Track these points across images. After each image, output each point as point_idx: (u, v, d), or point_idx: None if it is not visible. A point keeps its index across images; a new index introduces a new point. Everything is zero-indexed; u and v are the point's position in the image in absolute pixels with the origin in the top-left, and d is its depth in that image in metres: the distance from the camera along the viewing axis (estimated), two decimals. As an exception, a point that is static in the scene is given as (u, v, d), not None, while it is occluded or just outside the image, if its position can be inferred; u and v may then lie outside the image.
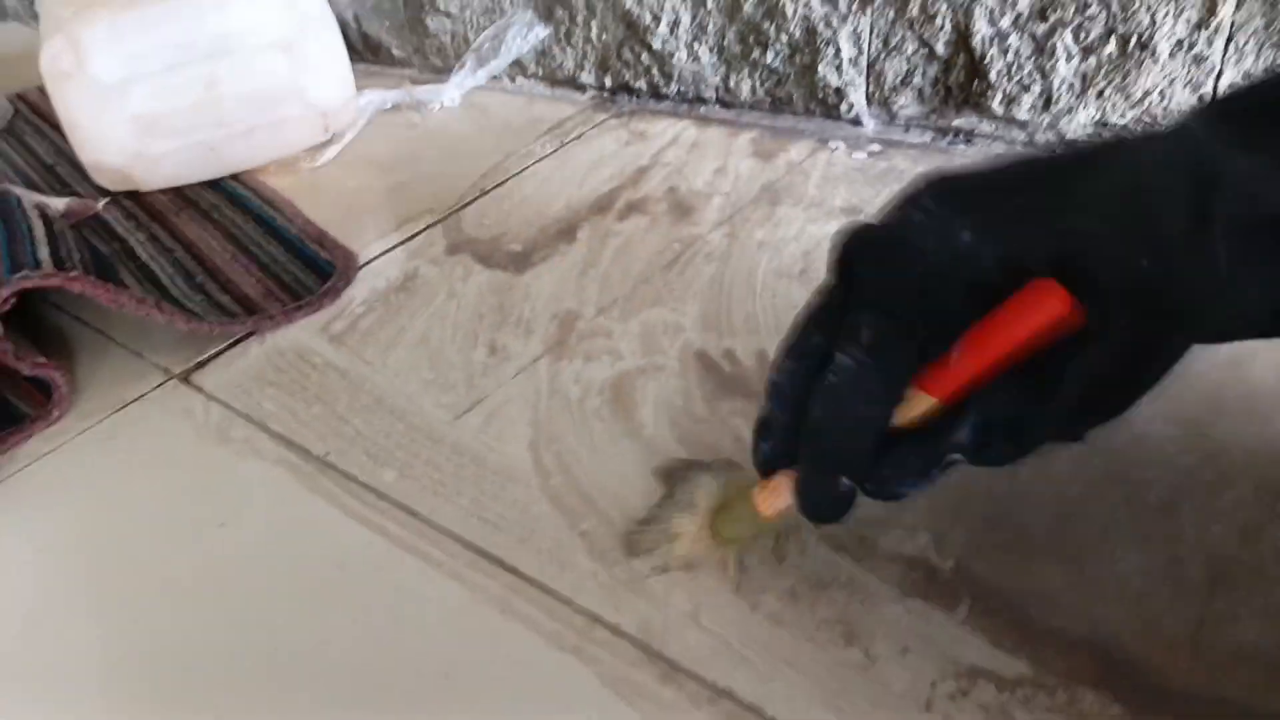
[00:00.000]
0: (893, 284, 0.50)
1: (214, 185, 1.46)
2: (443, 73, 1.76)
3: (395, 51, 1.84)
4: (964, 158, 1.32)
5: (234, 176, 1.48)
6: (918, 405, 0.52)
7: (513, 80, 1.73)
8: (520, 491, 0.85)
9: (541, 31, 1.60)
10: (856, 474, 0.53)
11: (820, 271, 1.13)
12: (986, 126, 1.33)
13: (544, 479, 0.85)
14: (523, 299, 1.12)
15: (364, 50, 1.88)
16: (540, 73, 1.69)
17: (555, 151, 1.47)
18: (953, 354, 0.50)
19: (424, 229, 1.29)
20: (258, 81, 1.42)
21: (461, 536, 0.80)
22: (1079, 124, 1.26)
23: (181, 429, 0.99)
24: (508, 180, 1.41)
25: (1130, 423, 0.79)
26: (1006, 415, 0.49)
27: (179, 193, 1.45)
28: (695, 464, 0.86)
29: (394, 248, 1.26)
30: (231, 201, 1.41)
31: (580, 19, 1.58)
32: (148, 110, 1.39)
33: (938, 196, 0.50)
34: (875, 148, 1.37)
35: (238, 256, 1.26)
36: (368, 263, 1.23)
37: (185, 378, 1.06)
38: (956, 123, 1.35)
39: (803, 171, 1.33)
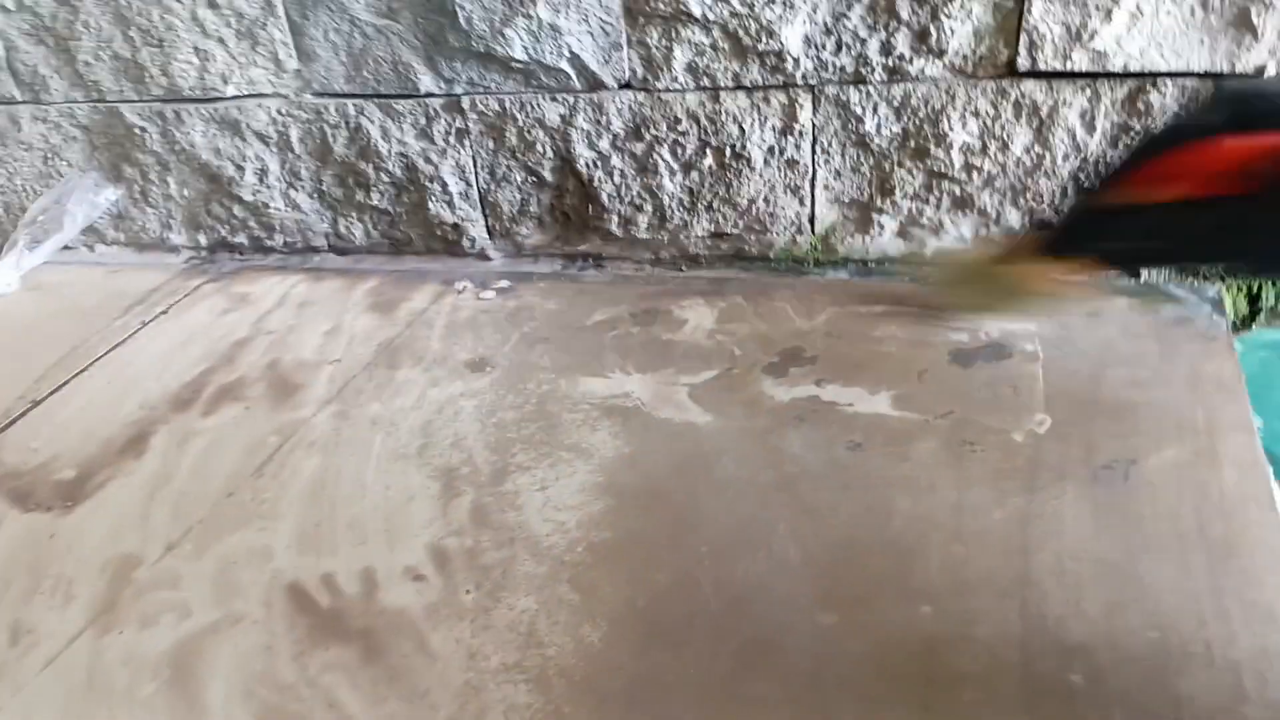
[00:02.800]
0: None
1: None
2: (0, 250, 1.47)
3: (-65, 231, 1.52)
4: (595, 283, 1.25)
5: None
6: (1159, 189, 0.78)
7: (91, 249, 1.47)
8: None
9: (111, 194, 1.37)
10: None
11: (441, 445, 0.98)
12: (611, 248, 1.26)
13: (58, 836, 0.63)
14: (65, 550, 0.89)
15: (-106, 234, 1.54)
16: (122, 238, 1.45)
17: (135, 334, 1.24)
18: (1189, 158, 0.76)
19: (-55, 469, 1.01)
20: None
21: None
22: (696, 237, 1.22)
23: None
24: (69, 381, 1.15)
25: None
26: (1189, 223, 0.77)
27: None
28: (270, 760, 0.67)
29: (-100, 501, 0.97)
30: None
31: (154, 175, 1.36)
32: None
33: None
34: (504, 283, 1.26)
35: None
36: None
37: None
38: (582, 248, 1.27)
39: (426, 322, 1.19)
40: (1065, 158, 1.07)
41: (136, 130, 1.32)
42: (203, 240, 1.42)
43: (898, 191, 1.13)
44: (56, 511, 0.94)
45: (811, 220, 1.18)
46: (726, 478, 0.89)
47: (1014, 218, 1.12)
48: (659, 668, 0.71)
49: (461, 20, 1.12)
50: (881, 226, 1.17)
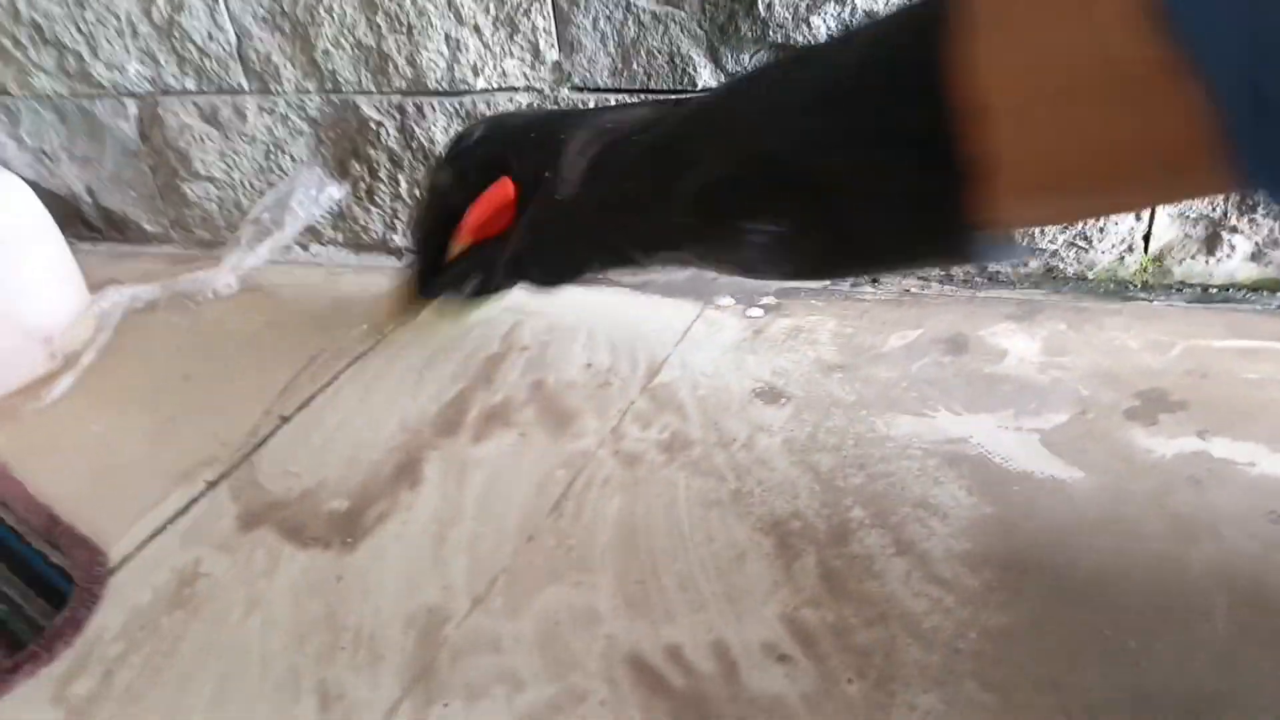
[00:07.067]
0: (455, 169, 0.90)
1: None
2: (212, 246, 1.41)
3: (147, 227, 1.47)
4: (876, 301, 1.11)
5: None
6: (459, 243, 0.90)
7: (306, 249, 1.40)
8: None
9: (335, 192, 1.29)
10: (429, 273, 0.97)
11: (756, 491, 0.86)
12: (894, 262, 1.13)
13: None
14: (360, 598, 0.79)
15: (105, 228, 1.50)
16: (340, 238, 1.37)
17: (375, 346, 1.15)
18: (468, 216, 0.87)
19: (204, 491, 0.94)
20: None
21: None
22: (1001, 252, 1.08)
23: None
24: (316, 395, 1.07)
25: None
26: (487, 259, 0.88)
27: None
28: None
29: (163, 528, 0.90)
30: (-85, 482, 0.99)
31: (383, 174, 1.28)
32: None
33: (489, 123, 0.92)
34: (770, 299, 1.14)
35: (-80, 580, 0.86)
36: (124, 560, 0.86)
37: None
38: (860, 261, 1.14)
39: (694, 343, 1.08)
40: None
41: (372, 124, 1.24)
42: (428, 242, 1.33)
43: (1260, 208, 0.97)
44: (336, 549, 0.85)
45: (1146, 237, 1.02)
46: (1129, 551, 0.75)
47: (1407, 241, 0.95)
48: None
49: (760, 6, 1.00)
50: (1233, 247, 1.00)
